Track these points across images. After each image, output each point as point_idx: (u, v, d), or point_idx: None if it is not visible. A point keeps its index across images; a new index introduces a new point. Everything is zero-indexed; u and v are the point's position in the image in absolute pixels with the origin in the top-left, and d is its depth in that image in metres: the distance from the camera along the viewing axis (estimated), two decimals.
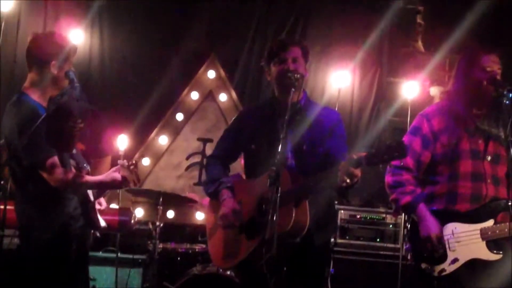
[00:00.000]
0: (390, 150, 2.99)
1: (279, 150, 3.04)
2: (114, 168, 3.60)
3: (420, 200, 3.61)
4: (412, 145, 3.65)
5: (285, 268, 3.26)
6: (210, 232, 3.66)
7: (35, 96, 3.50)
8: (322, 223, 3.38)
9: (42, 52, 3.54)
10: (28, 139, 3.24)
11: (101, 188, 3.68)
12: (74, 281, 3.56)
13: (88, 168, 3.72)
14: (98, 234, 3.83)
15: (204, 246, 5.46)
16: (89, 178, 3.57)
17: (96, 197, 3.73)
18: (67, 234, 3.49)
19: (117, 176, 3.56)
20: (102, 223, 3.71)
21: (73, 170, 3.54)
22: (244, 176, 3.90)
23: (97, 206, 3.77)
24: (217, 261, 3.67)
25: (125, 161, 3.66)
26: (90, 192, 3.68)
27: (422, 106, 5.65)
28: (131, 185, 3.68)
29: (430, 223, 3.54)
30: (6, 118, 3.49)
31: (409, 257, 5.33)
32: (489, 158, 3.60)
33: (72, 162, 3.61)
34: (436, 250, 3.49)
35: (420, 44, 7.33)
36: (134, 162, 3.66)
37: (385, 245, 5.86)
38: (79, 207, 3.58)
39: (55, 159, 3.39)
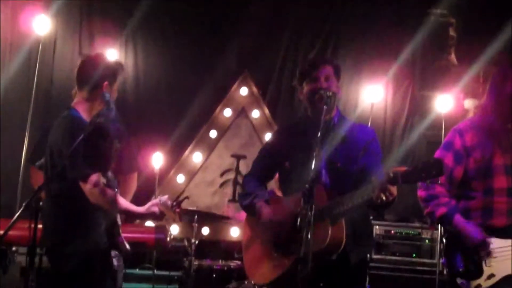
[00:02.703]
0: (427, 168, 2.97)
1: (313, 167, 3.06)
2: (154, 202, 3.64)
3: (456, 211, 3.58)
4: (445, 160, 3.61)
5: (321, 285, 3.27)
6: (246, 248, 3.69)
7: (84, 113, 3.64)
8: (358, 240, 3.38)
9: (96, 74, 3.67)
10: (75, 152, 3.31)
11: (138, 218, 3.72)
12: None
13: (116, 191, 3.77)
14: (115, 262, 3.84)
15: (239, 262, 5.48)
16: (129, 206, 3.63)
17: (123, 222, 3.79)
18: (96, 254, 3.55)
19: (156, 211, 3.61)
20: (127, 246, 3.75)
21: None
22: (278, 193, 3.92)
23: None
24: (252, 275, 3.70)
25: (168, 201, 3.70)
26: (118, 215, 3.75)
27: (456, 119, 5.63)
28: (169, 220, 3.71)
29: (473, 230, 3.50)
30: (55, 132, 3.60)
31: (445, 272, 5.28)
32: None
33: (103, 179, 3.67)
34: (488, 253, 3.45)
35: (453, 57, 7.29)
36: (176, 203, 3.70)
37: (421, 260, 5.81)
38: (104, 227, 3.64)
39: (99, 176, 3.47)
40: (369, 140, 3.57)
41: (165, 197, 3.67)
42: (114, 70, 3.73)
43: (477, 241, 3.47)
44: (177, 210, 3.66)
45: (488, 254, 3.45)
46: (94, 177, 3.42)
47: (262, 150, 3.88)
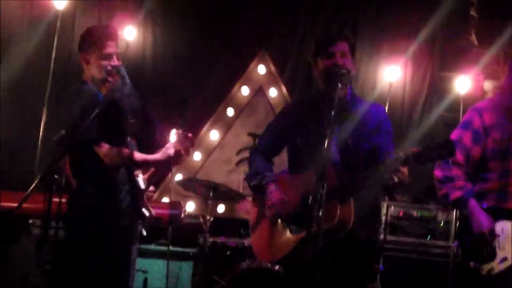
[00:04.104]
0: (439, 149, 2.97)
1: (325, 146, 3.04)
2: (167, 145, 3.62)
3: (471, 195, 3.56)
4: (463, 140, 3.59)
5: (329, 264, 3.27)
6: (253, 225, 3.68)
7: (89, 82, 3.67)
8: (366, 219, 3.38)
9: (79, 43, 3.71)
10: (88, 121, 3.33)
11: (159, 166, 3.70)
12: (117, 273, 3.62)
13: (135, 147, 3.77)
14: (144, 233, 3.85)
15: None
16: (147, 156, 3.63)
17: (147, 185, 3.78)
18: (114, 232, 3.57)
19: (171, 153, 3.58)
20: (150, 212, 3.72)
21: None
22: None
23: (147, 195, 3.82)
24: (260, 254, 3.70)
25: (180, 130, 3.68)
26: (140, 180, 3.74)
27: (475, 101, 5.56)
28: (184, 156, 3.65)
29: (483, 218, 3.49)
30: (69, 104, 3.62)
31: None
32: None
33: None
34: (490, 244, 3.44)
35: (473, 38, 7.20)
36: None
37: (435, 242, 5.75)
38: (128, 198, 3.64)
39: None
40: (381, 119, 3.55)
41: (179, 130, 3.64)
42: (91, 39, 3.66)
43: (483, 229, 3.46)
44: (190, 137, 3.61)
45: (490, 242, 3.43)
46: (106, 145, 3.46)
47: (272, 125, 3.83)
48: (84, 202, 3.57)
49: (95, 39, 3.64)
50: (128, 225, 3.65)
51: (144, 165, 3.71)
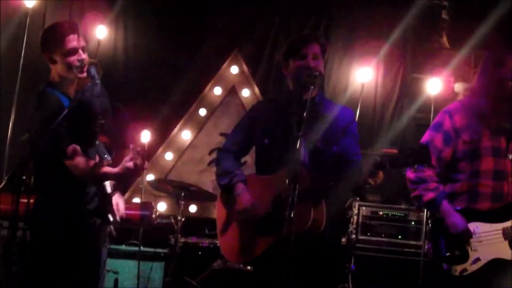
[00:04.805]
0: (414, 154, 2.99)
1: (297, 147, 3.03)
2: (126, 158, 3.49)
3: (444, 197, 3.60)
4: (434, 141, 3.64)
5: (301, 265, 3.26)
6: (222, 227, 3.64)
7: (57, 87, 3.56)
8: (333, 222, 3.37)
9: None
10: (51, 128, 3.25)
11: (119, 179, 3.60)
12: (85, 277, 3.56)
13: (110, 159, 3.69)
14: (114, 233, 3.79)
15: None
16: (107, 169, 3.53)
17: (113, 190, 3.72)
18: (83, 233, 3.51)
19: (130, 165, 3.44)
20: (114, 217, 3.65)
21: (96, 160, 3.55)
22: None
23: (114, 201, 3.75)
24: (230, 256, 3.67)
25: (134, 145, 3.60)
26: (107, 184, 3.68)
27: (446, 102, 5.62)
28: (142, 168, 3.57)
29: (457, 219, 3.53)
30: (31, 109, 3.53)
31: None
32: (510, 156, 3.58)
33: (94, 153, 3.61)
34: (468, 244, 3.47)
35: (445, 40, 7.26)
36: (141, 147, 3.58)
37: (407, 242, 5.81)
38: (96, 199, 3.58)
39: (77, 147, 3.41)
40: (349, 121, 3.56)
41: (132, 145, 3.55)
42: (51, 37, 3.54)
43: (459, 230, 3.49)
44: (142, 151, 3.50)
45: (468, 241, 3.47)
46: (70, 149, 3.38)
47: (239, 125, 3.78)
48: (51, 203, 3.50)
49: (55, 36, 3.52)
50: (99, 224, 3.58)
51: (104, 179, 3.62)
